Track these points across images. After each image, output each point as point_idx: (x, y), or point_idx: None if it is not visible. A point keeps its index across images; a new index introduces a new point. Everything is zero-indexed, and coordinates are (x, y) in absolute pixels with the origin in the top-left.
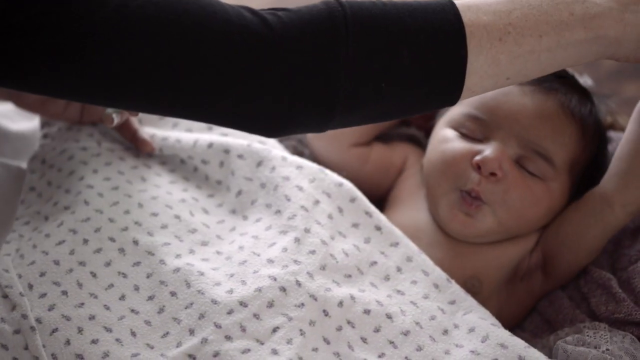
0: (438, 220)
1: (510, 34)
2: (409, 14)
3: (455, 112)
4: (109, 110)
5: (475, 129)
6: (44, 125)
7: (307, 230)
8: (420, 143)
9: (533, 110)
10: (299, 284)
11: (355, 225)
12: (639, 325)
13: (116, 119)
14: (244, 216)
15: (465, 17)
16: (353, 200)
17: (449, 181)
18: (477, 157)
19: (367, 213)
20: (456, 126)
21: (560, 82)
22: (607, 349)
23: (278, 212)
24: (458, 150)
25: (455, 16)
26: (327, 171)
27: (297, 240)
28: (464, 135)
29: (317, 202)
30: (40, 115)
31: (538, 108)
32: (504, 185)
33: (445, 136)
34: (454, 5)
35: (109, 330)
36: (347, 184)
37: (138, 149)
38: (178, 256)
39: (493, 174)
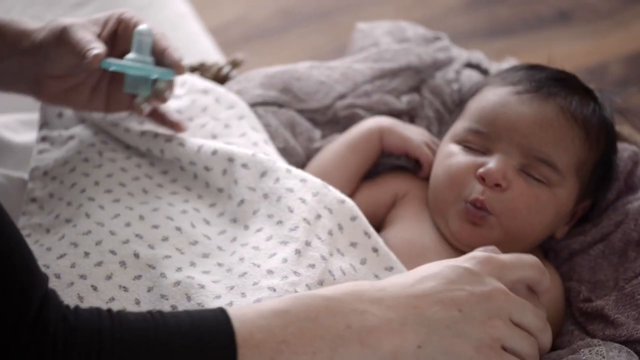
0: (446, 233)
1: (283, 353)
2: (179, 336)
3: (458, 127)
4: (138, 100)
5: (478, 142)
6: (41, 139)
7: (307, 244)
8: (412, 171)
9: (532, 118)
10: None
11: (353, 245)
12: None
13: (146, 108)
14: (245, 226)
15: (239, 335)
16: (354, 218)
17: (454, 193)
18: (481, 170)
19: (366, 234)
20: (459, 141)
21: (559, 85)
22: None
23: (280, 222)
24: (462, 164)
25: (227, 336)
26: (331, 187)
27: (297, 252)
28: (468, 149)
29: (318, 216)
30: (65, 106)
31: (537, 115)
32: (509, 195)
33: (450, 151)
34: (228, 321)
35: None
36: (349, 202)
37: (171, 130)
38: (179, 269)
39: (498, 185)
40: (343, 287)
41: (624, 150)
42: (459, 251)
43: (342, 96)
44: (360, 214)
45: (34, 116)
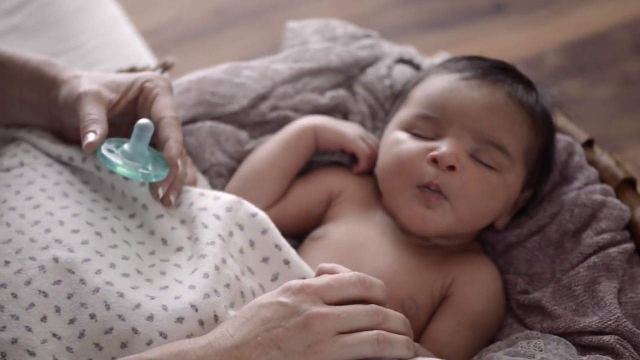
0: (399, 220)
1: None
2: None
3: (404, 114)
4: (153, 179)
5: (427, 128)
6: None
7: (223, 261)
8: (348, 166)
9: (482, 103)
10: (216, 318)
11: (265, 260)
12: (579, 333)
13: (161, 192)
14: (163, 239)
15: None
16: (265, 232)
17: (405, 180)
18: (434, 152)
19: (277, 246)
20: (407, 128)
21: (504, 73)
22: (542, 358)
23: (197, 239)
24: (412, 150)
25: None
26: (244, 201)
27: (217, 268)
28: (417, 136)
29: (231, 233)
30: None
31: (487, 100)
32: (462, 179)
33: (397, 138)
34: None
35: (32, 354)
36: (261, 215)
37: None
38: (98, 272)
39: (451, 168)
40: (168, 347)
41: (559, 141)
42: (404, 243)
43: (262, 97)
44: (272, 227)
45: None
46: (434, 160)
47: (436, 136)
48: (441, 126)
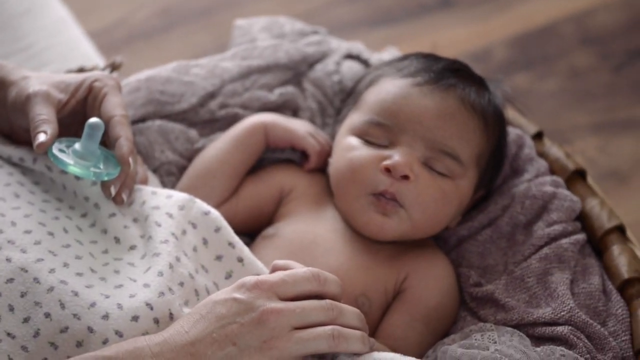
0: (354, 226)
1: None
2: None
3: (357, 120)
4: (105, 177)
5: (380, 135)
6: None
7: (177, 259)
8: (298, 163)
9: (435, 111)
10: (171, 316)
11: (218, 258)
12: (533, 325)
13: (113, 190)
14: (116, 238)
15: None
16: (218, 230)
17: (358, 188)
18: (387, 162)
19: (230, 244)
20: (360, 134)
21: (457, 76)
22: (496, 350)
23: (150, 238)
24: (365, 157)
25: None
26: (197, 199)
27: (171, 266)
28: (369, 143)
29: (184, 232)
30: None
31: (440, 107)
32: (416, 188)
33: (350, 144)
34: None
35: None
36: (214, 213)
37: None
38: (52, 271)
39: (405, 177)
40: (124, 345)
41: (509, 134)
42: (357, 240)
43: (211, 94)
44: (225, 224)
45: None
46: (387, 170)
47: (389, 143)
48: (394, 134)
